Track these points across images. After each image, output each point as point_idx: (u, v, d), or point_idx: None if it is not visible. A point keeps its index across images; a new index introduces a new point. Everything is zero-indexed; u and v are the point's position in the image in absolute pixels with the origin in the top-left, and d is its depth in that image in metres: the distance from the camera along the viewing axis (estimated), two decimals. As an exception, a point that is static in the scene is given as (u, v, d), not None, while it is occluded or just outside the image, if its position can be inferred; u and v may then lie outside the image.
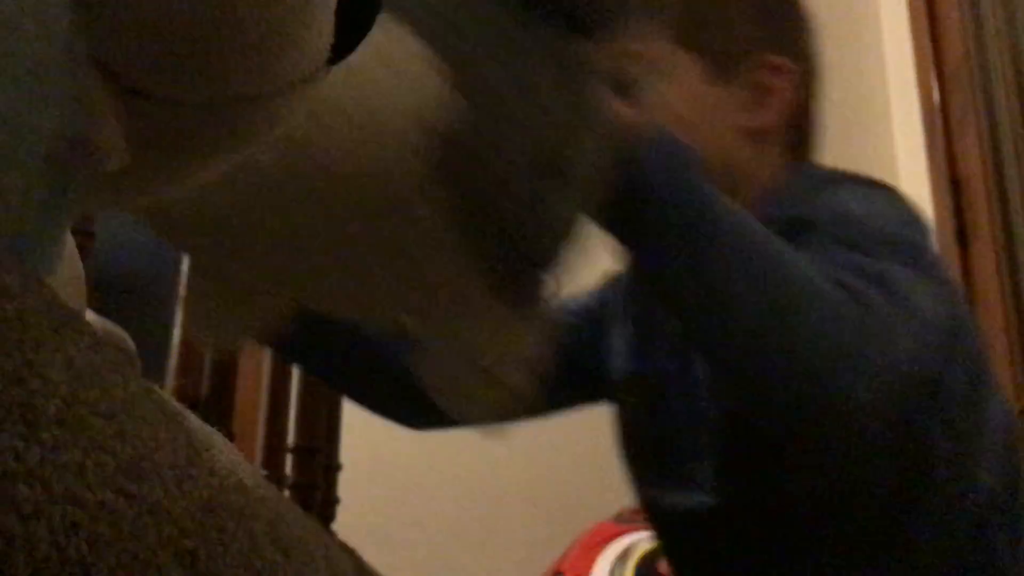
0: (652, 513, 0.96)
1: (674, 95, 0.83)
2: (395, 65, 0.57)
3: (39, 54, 0.32)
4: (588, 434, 2.30)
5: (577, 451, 2.24)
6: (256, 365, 1.73)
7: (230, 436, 0.94)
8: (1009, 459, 0.86)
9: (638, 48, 0.82)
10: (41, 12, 0.33)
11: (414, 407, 0.90)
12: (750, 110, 0.87)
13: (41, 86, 0.33)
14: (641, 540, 1.82)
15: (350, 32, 0.42)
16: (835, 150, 2.44)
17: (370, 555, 0.59)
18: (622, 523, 1.89)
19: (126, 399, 0.29)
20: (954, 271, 1.91)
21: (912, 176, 2.26)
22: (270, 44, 0.37)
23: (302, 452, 1.24)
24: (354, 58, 0.42)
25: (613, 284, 1.06)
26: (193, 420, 0.37)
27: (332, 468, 1.32)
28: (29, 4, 0.32)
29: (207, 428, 0.39)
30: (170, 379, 1.07)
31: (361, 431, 2.04)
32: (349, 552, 0.51)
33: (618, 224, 0.71)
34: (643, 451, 0.97)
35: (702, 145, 0.80)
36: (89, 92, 0.35)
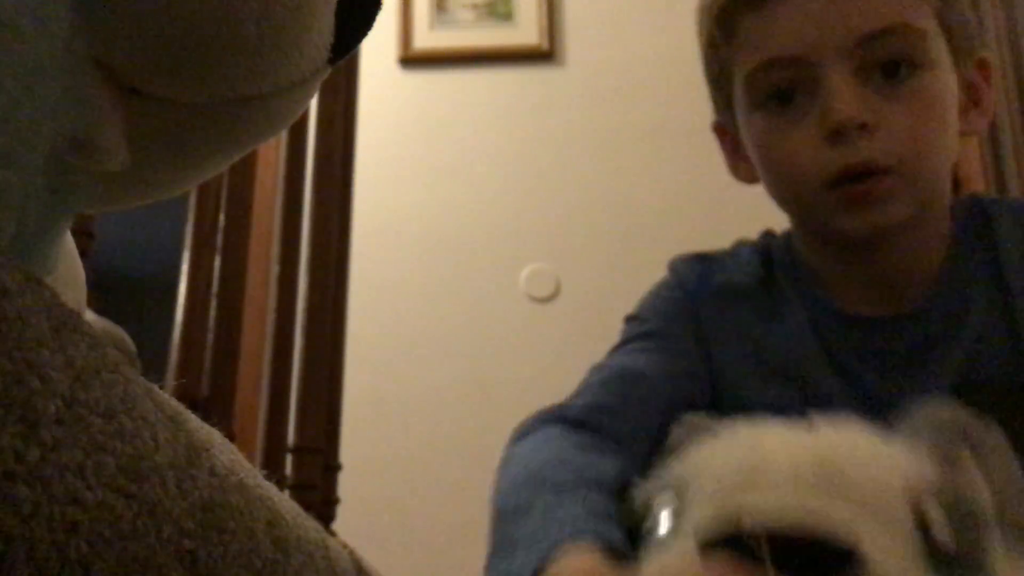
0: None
1: (941, 83, 0.78)
2: None
3: (40, 55, 0.32)
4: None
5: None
6: (256, 366, 1.73)
7: (230, 436, 0.94)
8: None
9: (920, 23, 0.77)
10: (41, 13, 0.33)
11: None
12: (966, 112, 0.82)
13: (42, 86, 0.33)
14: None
15: (350, 32, 0.42)
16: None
17: (370, 555, 0.59)
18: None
19: (126, 399, 0.29)
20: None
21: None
22: (270, 45, 0.37)
23: (302, 452, 1.24)
24: None
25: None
26: (193, 420, 0.37)
27: (332, 468, 1.32)
28: (29, 4, 0.32)
29: (207, 428, 0.38)
30: (170, 379, 1.07)
31: (361, 432, 2.04)
32: (349, 552, 0.51)
33: None
34: None
35: (948, 150, 0.79)
36: (90, 92, 0.35)
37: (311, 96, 0.45)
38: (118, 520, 0.27)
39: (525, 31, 2.56)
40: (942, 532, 0.43)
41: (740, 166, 0.92)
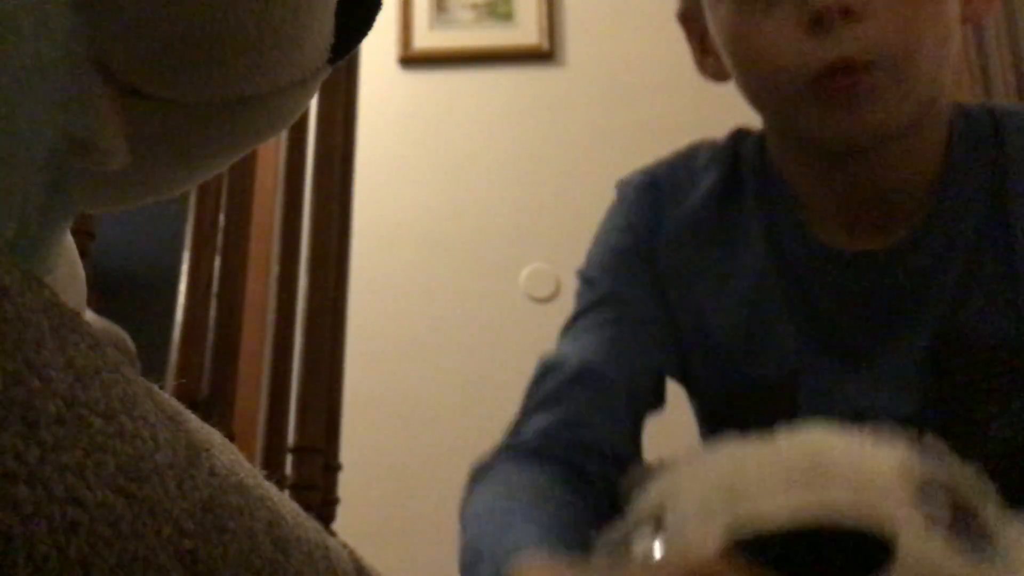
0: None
1: None
2: None
3: (40, 55, 0.32)
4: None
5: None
6: (256, 366, 1.73)
7: (230, 436, 0.94)
8: None
9: None
10: (41, 13, 0.33)
11: None
12: None
13: (41, 87, 0.32)
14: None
15: (350, 32, 0.42)
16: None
17: (370, 555, 0.59)
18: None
19: (126, 399, 0.29)
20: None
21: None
22: (270, 45, 0.37)
23: (302, 452, 1.24)
24: None
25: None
26: (193, 420, 0.37)
27: (332, 469, 1.32)
28: (29, 5, 0.32)
29: (207, 428, 0.38)
30: (170, 379, 1.07)
31: (361, 432, 2.04)
32: (349, 552, 0.51)
33: None
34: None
35: (946, 40, 0.69)
36: (90, 93, 0.35)
37: (311, 96, 0.45)
38: (118, 520, 0.27)
39: (525, 31, 2.56)
40: (948, 515, 0.41)
41: (707, 61, 0.81)
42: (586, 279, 0.87)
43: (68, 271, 0.44)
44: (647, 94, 2.50)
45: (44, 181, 0.34)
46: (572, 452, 0.73)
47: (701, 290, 0.80)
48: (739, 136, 0.85)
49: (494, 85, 2.55)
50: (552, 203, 2.45)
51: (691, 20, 0.82)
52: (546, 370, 0.81)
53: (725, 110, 2.70)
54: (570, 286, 2.59)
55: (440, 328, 2.38)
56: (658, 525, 0.45)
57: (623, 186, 0.89)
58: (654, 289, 0.81)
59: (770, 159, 0.81)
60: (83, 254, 0.63)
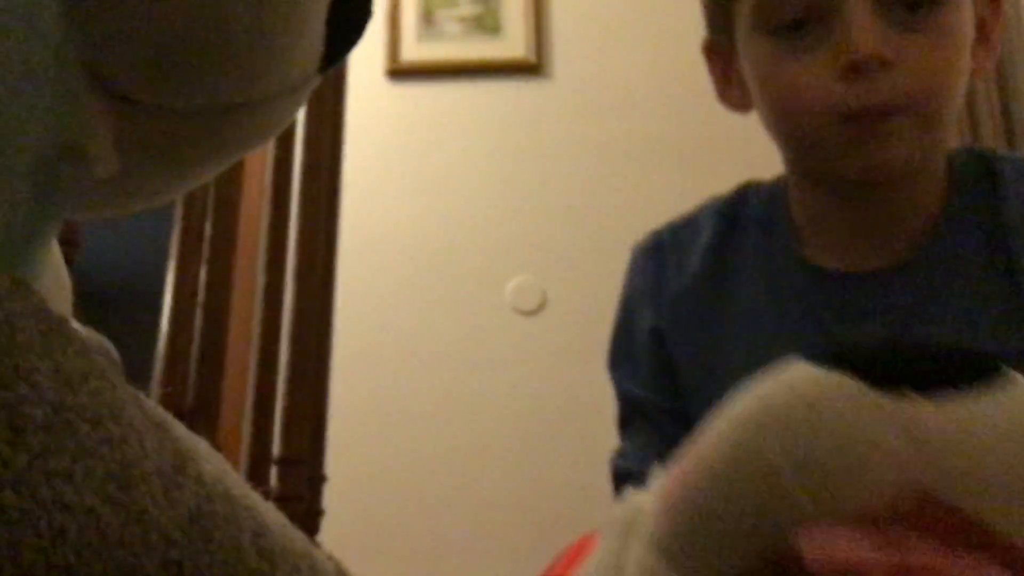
0: None
1: (960, 19, 0.74)
2: None
3: (29, 60, 0.32)
4: (575, 446, 2.31)
5: (563, 463, 2.24)
6: (242, 376, 1.73)
7: (215, 447, 0.93)
8: None
9: None
10: (31, 19, 0.33)
11: None
12: (975, 48, 0.77)
13: (31, 92, 0.32)
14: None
15: (341, 40, 0.42)
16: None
17: (355, 567, 0.59)
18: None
19: (114, 405, 0.29)
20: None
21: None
22: (261, 53, 0.37)
23: (287, 464, 1.23)
24: None
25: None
26: (180, 428, 0.37)
27: (317, 480, 1.31)
28: (19, 11, 0.32)
29: (193, 436, 0.38)
30: (155, 389, 1.06)
31: (347, 443, 2.04)
32: (334, 563, 0.51)
33: None
34: None
35: (961, 90, 0.74)
36: (80, 99, 0.35)
37: (300, 105, 0.45)
38: (106, 527, 0.27)
39: (512, 44, 2.57)
40: None
41: (730, 92, 0.85)
42: (610, 376, 0.93)
43: (54, 278, 0.44)
44: (634, 108, 2.51)
45: (32, 187, 0.33)
46: None
47: (704, 341, 0.84)
48: (745, 187, 0.90)
49: (481, 98, 2.56)
50: (538, 216, 2.46)
51: (715, 52, 0.85)
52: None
53: (710, 125, 2.72)
54: (555, 299, 2.60)
55: (426, 340, 2.38)
56: None
57: (632, 252, 0.95)
58: (657, 362, 0.86)
59: (778, 199, 0.85)
60: (68, 264, 0.63)
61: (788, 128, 0.78)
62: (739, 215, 0.87)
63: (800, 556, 0.31)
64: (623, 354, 0.90)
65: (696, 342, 0.84)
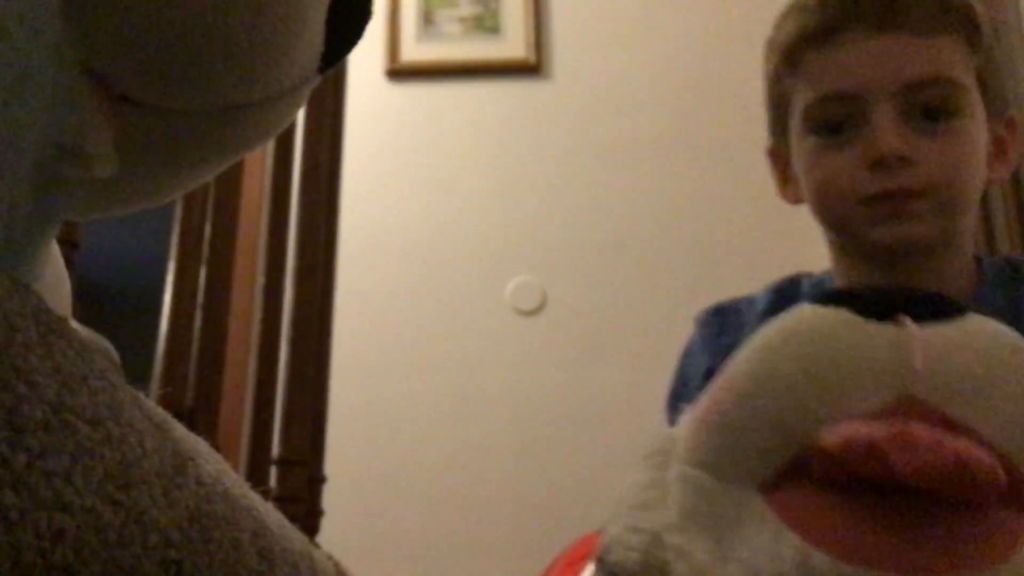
0: None
1: (974, 130, 0.88)
2: None
3: (29, 61, 0.32)
4: (575, 446, 2.31)
5: (563, 463, 2.24)
6: (241, 377, 1.72)
7: (214, 448, 0.93)
8: None
9: (961, 78, 0.88)
10: (30, 19, 0.33)
11: None
12: (991, 161, 0.92)
13: (30, 93, 0.32)
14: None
15: (340, 41, 0.42)
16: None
17: (354, 568, 0.59)
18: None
19: (113, 406, 0.29)
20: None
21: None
22: (260, 53, 0.37)
23: (286, 464, 1.23)
24: None
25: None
26: (179, 428, 0.37)
27: (316, 481, 1.31)
28: (18, 11, 0.32)
29: (193, 437, 0.38)
30: (154, 389, 1.06)
31: (346, 444, 2.04)
32: (334, 563, 0.51)
33: None
34: None
35: (975, 186, 0.89)
36: (79, 99, 0.35)
37: (300, 105, 0.45)
38: (105, 527, 0.26)
39: (512, 45, 2.57)
40: None
41: (788, 188, 1.00)
42: (666, 418, 1.02)
43: (54, 279, 0.44)
44: (633, 108, 2.51)
45: (32, 188, 0.33)
46: None
47: None
48: (797, 274, 1.04)
49: (481, 98, 2.56)
50: (538, 216, 2.46)
51: (777, 155, 1.01)
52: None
53: (710, 125, 2.71)
54: (555, 299, 2.60)
55: (426, 340, 2.38)
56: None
57: (695, 319, 1.06)
58: None
59: (826, 281, 0.99)
60: (67, 264, 0.63)
61: (828, 209, 0.92)
62: (792, 291, 1.00)
63: (821, 448, 0.38)
64: (676, 397, 1.01)
65: None
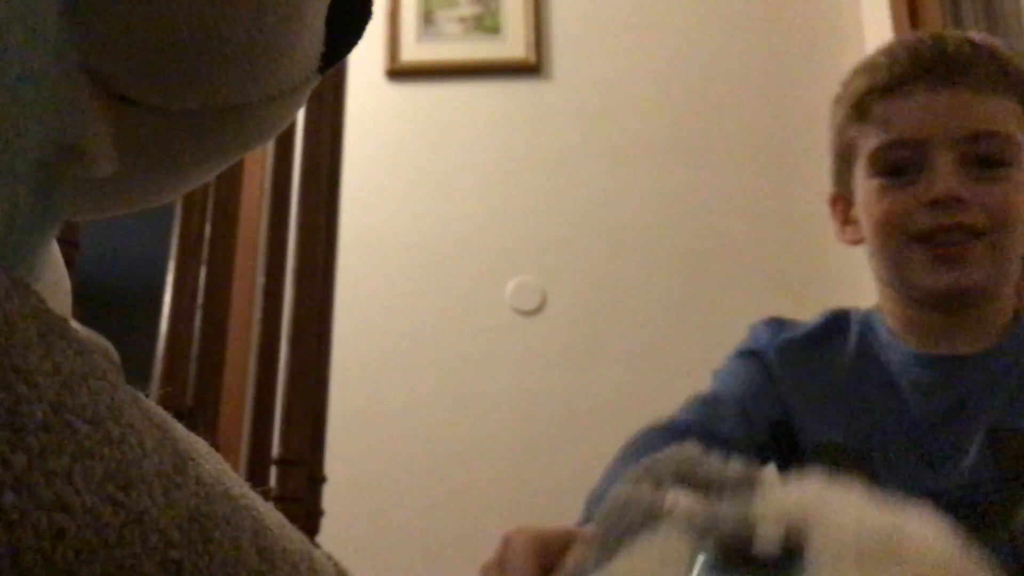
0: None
1: (1022, 180, 0.96)
2: None
3: (29, 62, 0.32)
4: (574, 446, 2.31)
5: (563, 463, 2.24)
6: (241, 377, 1.72)
7: (214, 448, 0.93)
8: None
9: (1014, 133, 0.96)
10: (30, 20, 0.33)
11: None
12: None
13: (31, 93, 0.32)
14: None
15: (341, 41, 0.42)
16: (820, 166, 2.45)
17: (354, 568, 0.59)
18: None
19: (113, 406, 0.29)
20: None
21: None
22: (260, 54, 0.37)
23: (286, 464, 1.23)
24: None
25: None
26: (179, 428, 0.37)
27: (316, 481, 1.31)
28: (18, 12, 0.32)
29: (193, 436, 0.38)
30: (154, 390, 1.06)
31: (346, 444, 2.04)
32: (334, 563, 0.51)
33: None
34: None
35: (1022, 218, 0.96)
36: (80, 99, 0.35)
37: (300, 105, 0.45)
38: (105, 528, 0.26)
39: (512, 45, 2.57)
40: None
41: (847, 229, 1.07)
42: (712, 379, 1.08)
43: (54, 279, 0.44)
44: (633, 108, 2.51)
45: (32, 188, 0.33)
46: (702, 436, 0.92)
47: (804, 390, 1.03)
48: (848, 309, 1.10)
49: (481, 98, 2.56)
50: (538, 216, 2.46)
51: (840, 201, 1.08)
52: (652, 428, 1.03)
53: (709, 125, 2.70)
54: (555, 299, 2.60)
55: (426, 340, 2.38)
56: (793, 537, 0.46)
57: (752, 324, 1.12)
58: (771, 387, 1.04)
59: (875, 321, 1.05)
60: (68, 264, 0.63)
61: (885, 246, 0.98)
62: (842, 325, 1.06)
63: None
64: (726, 370, 1.07)
65: (799, 378, 1.03)
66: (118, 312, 2.80)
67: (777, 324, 1.10)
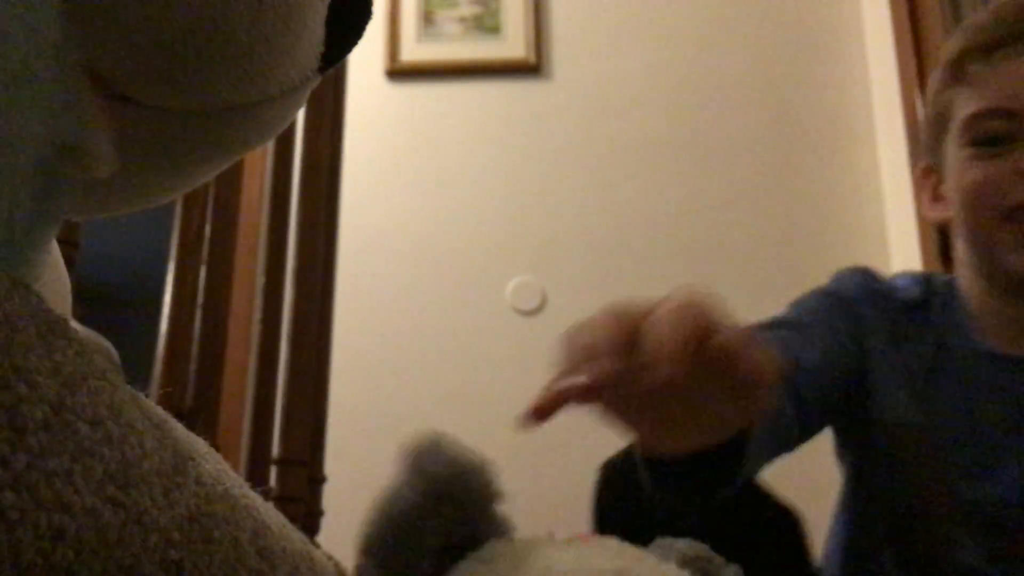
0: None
1: None
2: None
3: (29, 61, 0.32)
4: (574, 446, 2.30)
5: (563, 463, 2.24)
6: (241, 377, 1.72)
7: (214, 448, 0.93)
8: None
9: None
10: (30, 19, 0.33)
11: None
12: None
13: (31, 93, 0.32)
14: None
15: (340, 41, 0.42)
16: (820, 166, 2.46)
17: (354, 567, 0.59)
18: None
19: (113, 406, 0.29)
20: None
21: (896, 191, 2.28)
22: (261, 53, 0.37)
23: (286, 465, 1.23)
24: None
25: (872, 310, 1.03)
26: (179, 429, 0.37)
27: (316, 481, 1.31)
28: (18, 11, 0.32)
29: (193, 436, 0.38)
30: (154, 391, 1.06)
31: (346, 444, 2.03)
32: (334, 563, 0.51)
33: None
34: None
35: None
36: (80, 100, 0.35)
37: (300, 105, 0.45)
38: (105, 528, 0.26)
39: (512, 45, 2.57)
40: None
41: (935, 206, 1.03)
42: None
43: (54, 279, 0.44)
44: (633, 108, 2.51)
45: (32, 187, 0.33)
46: None
47: (885, 356, 1.00)
48: (931, 273, 1.07)
49: (481, 98, 2.56)
50: (538, 216, 2.46)
51: (930, 175, 1.03)
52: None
53: (709, 125, 2.70)
54: (555, 299, 2.60)
55: (426, 340, 2.38)
56: None
57: (837, 271, 1.09)
58: (852, 334, 1.00)
59: (957, 292, 1.02)
60: (67, 264, 0.63)
61: (972, 220, 0.95)
62: (931, 289, 1.03)
63: None
64: (807, 308, 1.02)
65: (887, 345, 1.00)
66: (118, 312, 2.80)
67: (867, 274, 1.06)
